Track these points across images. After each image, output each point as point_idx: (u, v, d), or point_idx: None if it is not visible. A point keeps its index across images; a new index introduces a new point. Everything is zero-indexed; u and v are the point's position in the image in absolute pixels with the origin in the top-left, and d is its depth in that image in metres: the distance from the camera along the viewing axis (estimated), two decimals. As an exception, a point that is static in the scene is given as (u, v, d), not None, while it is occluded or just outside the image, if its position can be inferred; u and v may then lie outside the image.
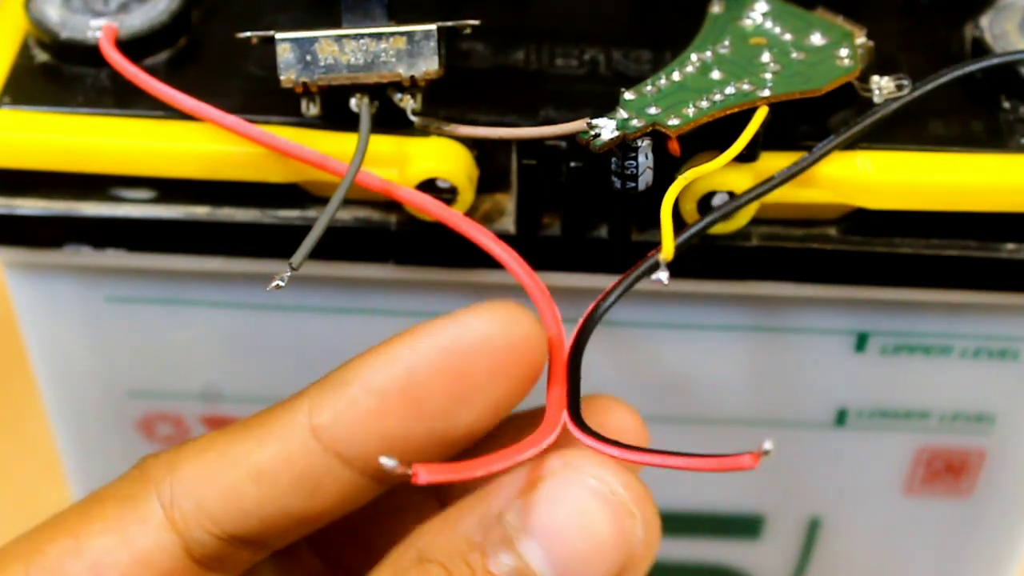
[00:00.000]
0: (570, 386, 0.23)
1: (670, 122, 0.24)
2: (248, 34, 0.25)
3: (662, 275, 0.23)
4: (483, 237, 0.25)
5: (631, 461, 0.22)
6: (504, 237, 0.26)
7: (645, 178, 0.25)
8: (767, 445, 0.20)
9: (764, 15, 0.27)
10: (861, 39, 0.26)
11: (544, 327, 0.23)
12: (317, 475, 0.23)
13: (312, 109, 0.26)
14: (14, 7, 0.28)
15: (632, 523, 0.21)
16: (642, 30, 0.29)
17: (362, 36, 0.25)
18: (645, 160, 0.24)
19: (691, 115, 0.24)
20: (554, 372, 0.23)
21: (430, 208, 0.25)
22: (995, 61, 0.27)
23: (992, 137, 0.26)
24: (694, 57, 0.26)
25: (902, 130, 0.26)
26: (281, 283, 0.22)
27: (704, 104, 0.25)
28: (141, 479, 0.23)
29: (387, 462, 0.19)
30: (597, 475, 0.21)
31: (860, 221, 0.27)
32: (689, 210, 0.26)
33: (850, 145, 0.26)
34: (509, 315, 0.22)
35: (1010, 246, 0.27)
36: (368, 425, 0.22)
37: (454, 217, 0.25)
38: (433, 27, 0.25)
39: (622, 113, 0.25)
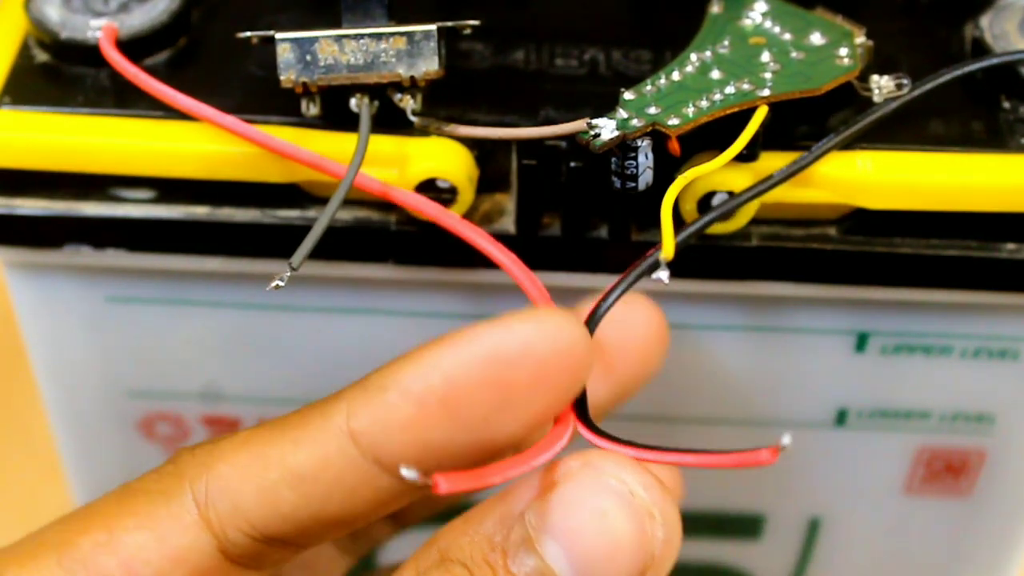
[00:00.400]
0: None
1: (670, 122, 0.24)
2: (248, 34, 0.25)
3: (662, 274, 0.23)
4: (479, 238, 0.25)
5: (644, 460, 0.21)
6: (504, 237, 0.26)
7: (645, 178, 0.25)
8: (785, 440, 0.20)
9: (764, 15, 0.27)
10: (861, 38, 0.26)
11: (589, 332, 0.22)
12: (354, 480, 0.22)
13: (312, 109, 0.26)
14: (14, 7, 0.28)
15: (652, 524, 0.21)
16: (642, 30, 0.29)
17: (362, 36, 0.25)
18: (645, 160, 0.24)
19: (691, 115, 0.24)
20: None
21: (426, 210, 0.25)
22: (995, 61, 0.27)
23: (992, 137, 0.26)
24: (694, 57, 0.26)
25: (902, 130, 0.26)
26: (281, 283, 0.22)
27: (704, 104, 0.25)
28: (175, 475, 0.23)
29: (408, 473, 0.19)
30: (617, 476, 0.21)
31: (860, 221, 0.27)
32: (689, 210, 0.26)
33: (850, 145, 0.26)
34: (555, 322, 0.21)
35: (1010, 246, 0.27)
36: (407, 432, 0.22)
37: (450, 219, 0.25)
38: (433, 27, 0.25)
39: (622, 113, 0.25)
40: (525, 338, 0.21)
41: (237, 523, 0.22)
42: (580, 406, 0.22)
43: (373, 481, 0.22)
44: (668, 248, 0.23)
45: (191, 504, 0.22)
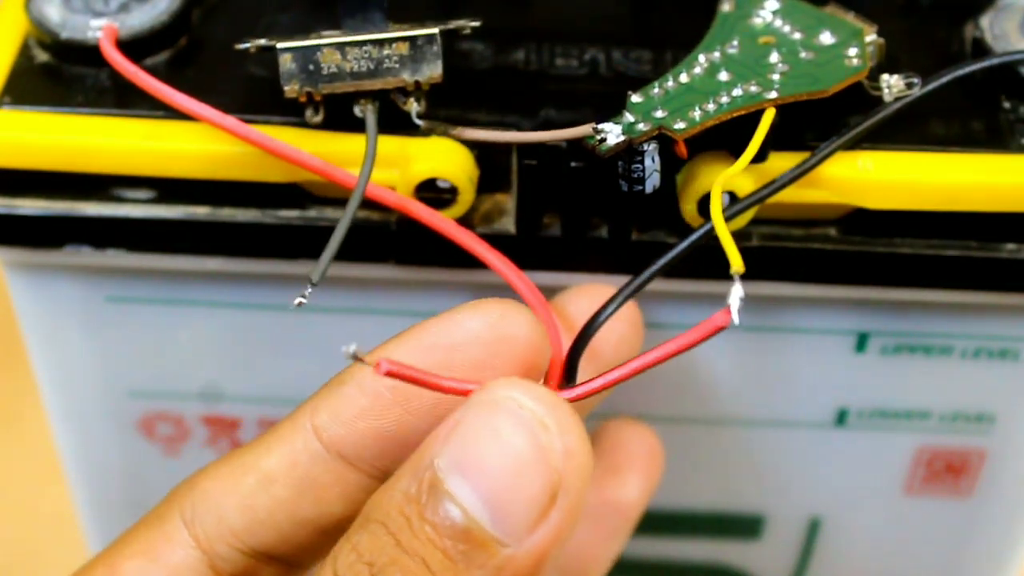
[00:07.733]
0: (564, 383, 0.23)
1: (676, 126, 0.24)
2: (247, 44, 0.25)
3: (737, 290, 0.21)
4: (475, 244, 0.25)
5: (614, 381, 0.22)
6: (504, 237, 0.26)
7: (652, 181, 0.25)
8: (734, 300, 0.20)
9: (775, 12, 0.27)
10: (871, 36, 0.26)
11: (541, 323, 0.23)
12: (321, 477, 0.23)
13: (315, 117, 0.25)
14: (14, 7, 0.28)
15: (548, 435, 0.20)
16: (642, 30, 0.29)
17: (365, 43, 0.24)
18: (652, 163, 0.24)
19: (697, 119, 0.24)
20: (551, 376, 0.24)
21: (422, 216, 0.25)
22: (995, 61, 0.27)
23: (992, 137, 0.26)
24: (702, 58, 0.26)
25: (902, 130, 0.26)
26: (304, 300, 0.22)
27: (711, 107, 0.25)
28: (168, 501, 0.24)
29: (347, 349, 0.20)
30: (505, 394, 0.20)
31: (860, 221, 0.27)
32: (689, 210, 0.26)
33: (851, 145, 0.26)
34: (498, 312, 0.22)
35: (1010, 246, 0.27)
36: (363, 421, 0.23)
37: (446, 224, 0.25)
38: (436, 30, 0.25)
39: (628, 117, 0.25)
40: (467, 327, 0.22)
41: (223, 535, 0.23)
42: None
43: (340, 477, 0.23)
44: (736, 261, 0.22)
45: (180, 523, 0.23)
